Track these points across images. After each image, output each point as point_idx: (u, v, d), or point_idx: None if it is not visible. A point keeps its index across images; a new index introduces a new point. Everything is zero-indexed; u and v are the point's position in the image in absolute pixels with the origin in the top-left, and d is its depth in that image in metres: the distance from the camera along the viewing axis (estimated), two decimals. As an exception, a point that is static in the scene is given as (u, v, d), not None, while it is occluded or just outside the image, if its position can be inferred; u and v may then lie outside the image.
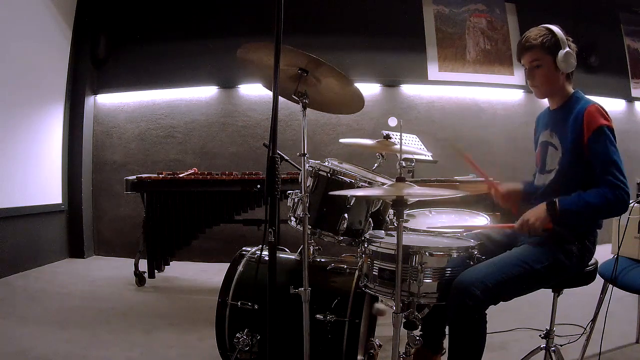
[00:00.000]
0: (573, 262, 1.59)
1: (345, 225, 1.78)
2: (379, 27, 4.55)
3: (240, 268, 1.89)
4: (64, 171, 4.37)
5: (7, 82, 3.61)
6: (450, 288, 1.49)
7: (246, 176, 3.27)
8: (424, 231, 1.90)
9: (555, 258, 1.57)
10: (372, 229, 1.85)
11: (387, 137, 2.10)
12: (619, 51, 5.09)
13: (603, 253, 1.91)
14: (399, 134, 1.73)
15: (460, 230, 1.89)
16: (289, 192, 1.85)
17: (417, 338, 1.54)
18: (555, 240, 1.59)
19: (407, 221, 1.80)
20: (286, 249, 2.06)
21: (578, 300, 2.26)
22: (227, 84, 4.53)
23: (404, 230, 1.73)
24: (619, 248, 1.86)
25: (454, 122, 4.65)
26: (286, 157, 1.84)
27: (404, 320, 1.46)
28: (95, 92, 4.60)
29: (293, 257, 1.95)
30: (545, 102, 1.81)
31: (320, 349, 1.66)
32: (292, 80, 1.72)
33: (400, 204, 1.43)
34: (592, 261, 1.69)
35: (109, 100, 4.66)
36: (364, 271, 1.65)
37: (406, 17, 4.65)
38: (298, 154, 1.67)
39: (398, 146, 1.66)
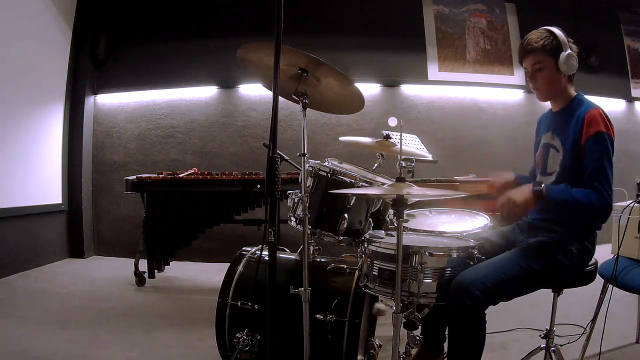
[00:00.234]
0: (573, 263, 1.59)
1: (345, 225, 1.78)
2: (379, 27, 4.55)
3: (240, 268, 1.89)
4: (64, 171, 4.37)
5: (7, 82, 3.61)
6: (449, 288, 1.49)
7: (246, 176, 3.27)
8: (424, 231, 1.90)
9: (555, 258, 1.57)
10: (372, 229, 1.85)
11: (387, 137, 2.10)
12: (619, 51, 5.09)
13: (603, 253, 1.91)
14: (399, 134, 1.74)
15: (462, 228, 1.89)
16: (289, 192, 1.85)
17: (417, 338, 1.54)
18: (554, 240, 1.59)
19: (407, 221, 1.79)
20: (286, 249, 2.06)
21: (578, 300, 2.26)
22: (227, 84, 4.53)
23: (404, 230, 1.73)
24: (619, 248, 1.86)
25: (454, 122, 4.65)
26: (286, 157, 1.84)
27: (404, 320, 1.46)
28: (95, 92, 4.61)
29: (293, 257, 1.95)
30: (547, 104, 1.81)
31: (320, 349, 1.66)
32: (292, 80, 1.72)
33: (400, 204, 1.43)
34: (592, 261, 1.69)
35: (109, 100, 4.66)
36: (364, 271, 1.65)
37: (406, 17, 4.66)
38: (298, 154, 1.67)
39: (398, 146, 1.66)
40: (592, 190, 1.51)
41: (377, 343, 1.92)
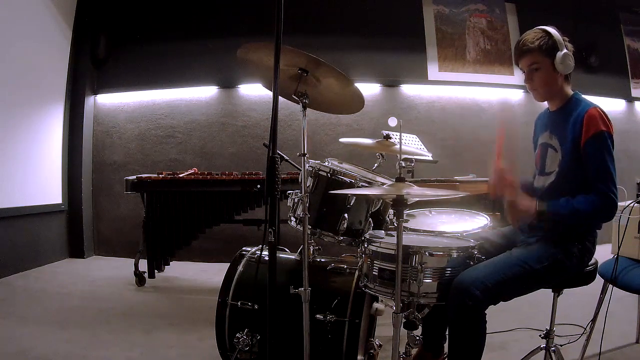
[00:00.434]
0: (573, 262, 1.59)
1: (345, 225, 1.78)
2: (379, 27, 4.55)
3: (240, 268, 1.89)
4: (64, 171, 4.37)
5: (7, 82, 3.61)
6: (450, 288, 1.49)
7: (246, 176, 3.27)
8: (424, 231, 1.90)
9: (555, 258, 1.57)
10: (372, 229, 1.85)
11: (387, 137, 2.10)
12: (619, 51, 5.09)
13: (603, 253, 1.91)
14: (399, 134, 1.73)
15: (462, 228, 1.89)
16: (289, 192, 1.85)
17: (417, 338, 1.55)
18: (554, 240, 1.59)
19: (407, 221, 1.79)
20: (286, 249, 2.06)
21: (578, 300, 2.26)
22: (227, 84, 4.53)
23: (404, 230, 1.73)
24: (619, 248, 1.86)
25: (454, 122, 4.65)
26: (286, 157, 1.84)
27: (404, 320, 1.46)
28: (95, 92, 4.60)
29: (293, 257, 1.95)
30: (545, 103, 1.81)
31: (320, 349, 1.66)
32: (292, 80, 1.72)
33: (400, 204, 1.43)
34: (592, 261, 1.69)
35: (109, 100, 4.66)
36: (364, 271, 1.65)
37: (406, 17, 4.66)
38: (298, 154, 1.67)
39: (398, 146, 1.66)
40: (596, 194, 1.52)
41: (377, 343, 1.92)
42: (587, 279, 1.67)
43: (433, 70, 4.66)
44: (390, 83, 4.62)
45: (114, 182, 4.55)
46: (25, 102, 3.88)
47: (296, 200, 1.82)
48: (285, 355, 1.71)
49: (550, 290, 1.68)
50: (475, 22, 4.79)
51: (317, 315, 1.67)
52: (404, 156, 2.26)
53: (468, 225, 1.96)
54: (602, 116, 1.56)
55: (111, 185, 4.57)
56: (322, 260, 1.92)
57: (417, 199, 1.75)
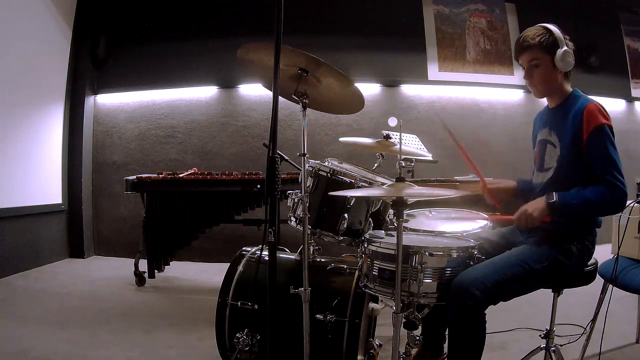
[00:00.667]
0: (573, 262, 1.60)
1: (345, 225, 1.78)
2: (379, 27, 4.55)
3: (240, 268, 1.89)
4: (64, 171, 4.37)
5: (7, 82, 3.61)
6: (450, 288, 1.49)
7: (246, 176, 3.27)
8: (424, 231, 1.90)
9: (555, 258, 1.57)
10: (372, 229, 1.85)
11: (387, 137, 2.10)
12: (619, 51, 5.09)
13: (603, 253, 1.91)
14: (399, 134, 1.73)
15: (462, 228, 1.89)
16: (289, 192, 1.85)
17: (417, 338, 1.54)
18: (554, 240, 1.59)
19: (407, 221, 1.80)
20: (286, 249, 2.06)
21: (578, 300, 2.26)
22: (227, 84, 4.53)
23: (404, 230, 1.73)
24: (619, 248, 1.86)
25: (454, 122, 4.64)
26: (286, 157, 1.84)
27: (404, 320, 1.46)
28: (95, 92, 4.60)
29: (293, 257, 1.95)
30: (544, 101, 1.81)
31: (320, 349, 1.66)
32: (292, 80, 1.72)
33: (400, 204, 1.43)
34: (592, 261, 1.69)
35: (109, 100, 4.66)
36: (364, 271, 1.65)
37: (406, 17, 4.65)
38: (298, 154, 1.67)
39: (398, 146, 1.66)
40: (604, 185, 1.52)
41: (377, 343, 1.92)
42: (587, 279, 1.67)
43: (433, 70, 4.66)
44: (390, 83, 4.61)
45: (114, 182, 4.55)
46: (25, 102, 3.88)
47: (296, 200, 1.82)
48: (285, 355, 1.71)
49: (550, 290, 1.68)
50: (475, 22, 4.79)
51: (317, 315, 1.67)
52: (404, 156, 2.26)
53: (468, 225, 1.96)
54: (601, 110, 1.57)
55: (111, 185, 4.57)
56: (322, 260, 1.92)
57: (417, 199, 1.75)
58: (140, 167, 4.46)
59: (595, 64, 4.78)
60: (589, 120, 1.55)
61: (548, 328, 1.73)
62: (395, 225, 1.43)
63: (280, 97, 1.43)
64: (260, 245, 1.84)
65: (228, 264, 1.93)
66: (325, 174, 1.81)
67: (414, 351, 1.81)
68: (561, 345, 1.92)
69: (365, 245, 1.64)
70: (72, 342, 2.31)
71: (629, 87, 5.09)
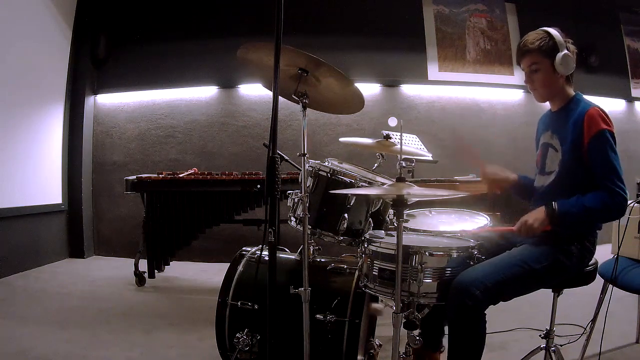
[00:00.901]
0: (573, 262, 1.60)
1: (345, 225, 1.78)
2: (379, 27, 4.55)
3: (240, 268, 1.89)
4: (64, 171, 4.37)
5: (7, 82, 3.61)
6: (450, 288, 1.49)
7: (246, 176, 3.27)
8: (424, 231, 1.90)
9: (555, 258, 1.57)
10: (372, 229, 1.85)
11: (387, 137, 2.10)
12: (619, 51, 5.09)
13: (603, 253, 1.91)
14: (399, 134, 1.73)
15: (462, 228, 1.89)
16: (289, 192, 1.85)
17: (417, 338, 1.54)
18: (554, 240, 1.59)
19: (407, 221, 1.79)
20: (286, 249, 2.06)
21: (578, 300, 2.26)
22: (227, 84, 4.53)
23: (404, 230, 1.73)
24: (619, 248, 1.85)
25: (454, 122, 4.65)
26: (286, 157, 1.84)
27: (404, 320, 1.46)
28: (95, 92, 4.60)
29: (293, 257, 1.95)
30: (546, 104, 1.81)
31: (320, 349, 1.66)
32: (292, 80, 1.72)
33: (400, 204, 1.43)
34: (592, 261, 1.69)
35: (109, 100, 4.66)
36: (364, 271, 1.65)
37: (406, 17, 4.65)
38: (298, 154, 1.67)
39: (398, 146, 1.66)
40: (604, 191, 1.52)
41: (377, 343, 1.92)
42: (587, 279, 1.67)
43: (433, 70, 4.66)
44: (390, 83, 4.61)
45: (114, 182, 4.54)
46: (25, 102, 3.88)
47: (296, 200, 1.82)
48: (285, 355, 1.71)
49: (550, 290, 1.68)
50: (475, 22, 4.79)
51: (317, 315, 1.67)
52: (404, 156, 2.26)
53: (468, 225, 1.95)
54: (602, 115, 1.56)
55: (111, 185, 4.57)
56: (322, 260, 1.92)
57: (417, 199, 1.75)
58: (140, 167, 4.46)
59: (595, 64, 4.78)
60: (589, 125, 1.55)
61: (548, 328, 1.73)
62: (395, 225, 1.43)
63: (280, 97, 1.43)
64: (260, 245, 1.84)
65: (228, 264, 1.93)
66: (325, 174, 1.81)
67: (413, 350, 1.81)
68: (561, 345, 1.92)
69: (365, 245, 1.64)
70: (72, 342, 2.31)
71: (629, 87, 5.09)
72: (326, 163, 1.86)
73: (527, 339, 2.27)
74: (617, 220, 1.92)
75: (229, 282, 1.85)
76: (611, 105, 4.94)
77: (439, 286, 1.51)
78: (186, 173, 3.36)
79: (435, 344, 1.90)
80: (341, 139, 2.24)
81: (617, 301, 1.93)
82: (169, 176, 3.31)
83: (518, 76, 4.72)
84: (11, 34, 3.62)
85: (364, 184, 1.79)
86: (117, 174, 4.48)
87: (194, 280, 3.72)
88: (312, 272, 1.68)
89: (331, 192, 1.72)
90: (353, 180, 1.79)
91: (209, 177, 3.28)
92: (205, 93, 4.57)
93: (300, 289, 1.59)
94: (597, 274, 1.76)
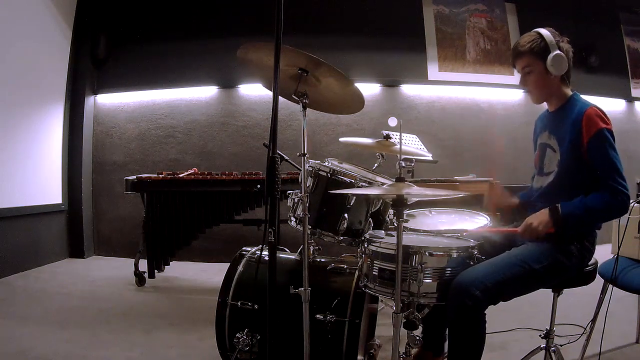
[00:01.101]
0: (573, 262, 1.60)
1: (345, 225, 1.78)
2: (379, 27, 4.55)
3: (240, 268, 1.89)
4: (64, 171, 4.37)
5: (7, 82, 3.61)
6: (450, 288, 1.49)
7: (246, 176, 3.27)
8: (424, 231, 1.90)
9: (555, 258, 1.57)
10: (372, 229, 1.85)
11: (387, 137, 2.10)
12: (619, 51, 5.09)
13: (603, 253, 1.92)
14: (399, 134, 1.73)
15: (462, 228, 1.89)
16: (289, 192, 1.85)
17: (417, 338, 1.54)
18: (554, 240, 1.59)
19: (407, 221, 1.79)
20: (286, 249, 2.06)
21: (578, 300, 2.27)
22: (227, 84, 4.53)
23: (404, 230, 1.73)
24: (619, 248, 1.85)
25: (454, 122, 4.65)
26: (286, 157, 1.84)
27: (404, 320, 1.46)
28: (95, 92, 4.60)
29: (293, 257, 1.95)
30: (544, 104, 1.81)
31: (320, 349, 1.66)
32: (292, 80, 1.72)
33: (400, 204, 1.43)
34: (592, 261, 1.69)
35: (109, 100, 4.66)
36: (364, 271, 1.65)
37: (406, 17, 4.66)
38: (298, 154, 1.67)
39: (398, 146, 1.66)
40: (606, 190, 1.53)
41: (377, 343, 1.92)
42: (587, 279, 1.67)
43: (433, 70, 4.66)
44: (390, 83, 4.62)
45: (114, 182, 4.55)
46: (25, 102, 3.88)
47: (296, 200, 1.82)
48: (285, 355, 1.71)
49: (550, 290, 1.68)
50: (475, 22, 4.79)
51: (317, 315, 1.67)
52: (404, 156, 2.26)
53: (468, 225, 1.95)
54: (600, 114, 1.56)
55: (111, 185, 4.57)
56: (322, 260, 1.92)
57: (417, 199, 1.75)
58: (140, 167, 4.46)
59: (595, 64, 4.79)
60: (588, 125, 1.55)
61: (548, 328, 1.73)
62: (395, 225, 1.43)
63: (280, 97, 1.43)
64: (260, 245, 1.84)
65: (228, 264, 1.93)
66: (325, 174, 1.81)
67: (414, 351, 1.81)
68: (561, 345, 1.93)
69: (365, 245, 1.64)
70: (72, 342, 2.31)
71: (629, 87, 5.09)
72: (326, 163, 1.86)
73: (527, 339, 2.27)
74: (617, 220, 1.92)
75: (229, 282, 1.85)
76: (611, 105, 4.95)
77: (439, 286, 1.51)
78: (186, 173, 3.36)
79: (437, 348, 1.89)
80: (341, 139, 2.24)
81: (617, 301, 1.93)
82: (169, 176, 3.31)
83: (518, 76, 4.69)
84: (11, 34, 3.62)
85: (364, 184, 1.79)
86: (117, 174, 4.48)
87: (194, 280, 3.72)
88: (312, 272, 1.68)
89: (331, 192, 1.72)
90: (353, 180, 1.79)
91: (209, 177, 3.28)
92: (205, 93, 4.57)
93: (300, 289, 1.59)
94: (597, 274, 1.76)
